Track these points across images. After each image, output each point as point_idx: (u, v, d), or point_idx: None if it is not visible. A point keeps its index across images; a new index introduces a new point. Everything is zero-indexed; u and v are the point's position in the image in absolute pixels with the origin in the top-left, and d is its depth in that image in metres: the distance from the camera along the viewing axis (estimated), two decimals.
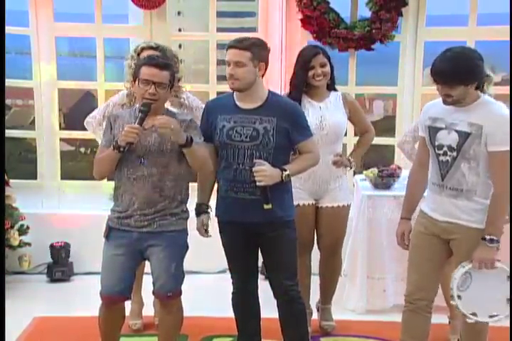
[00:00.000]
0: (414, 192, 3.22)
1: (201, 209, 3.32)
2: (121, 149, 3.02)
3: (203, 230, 3.31)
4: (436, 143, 3.04)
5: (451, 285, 2.98)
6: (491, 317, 2.99)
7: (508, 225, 3.69)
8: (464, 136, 2.94)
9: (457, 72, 2.85)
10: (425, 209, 3.16)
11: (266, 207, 3.10)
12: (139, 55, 3.72)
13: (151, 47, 3.75)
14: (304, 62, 3.68)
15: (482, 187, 2.97)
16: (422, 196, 3.21)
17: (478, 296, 2.96)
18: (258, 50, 3.10)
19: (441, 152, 3.02)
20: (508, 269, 2.98)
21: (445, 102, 2.98)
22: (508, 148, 2.88)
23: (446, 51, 2.93)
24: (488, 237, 2.92)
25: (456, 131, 2.97)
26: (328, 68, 3.71)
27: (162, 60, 3.14)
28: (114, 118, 3.20)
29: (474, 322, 3.05)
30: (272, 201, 3.10)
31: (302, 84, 3.70)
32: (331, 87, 3.81)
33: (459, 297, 2.96)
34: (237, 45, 3.09)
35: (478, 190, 2.97)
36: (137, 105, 3.15)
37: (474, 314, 2.99)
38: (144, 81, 3.02)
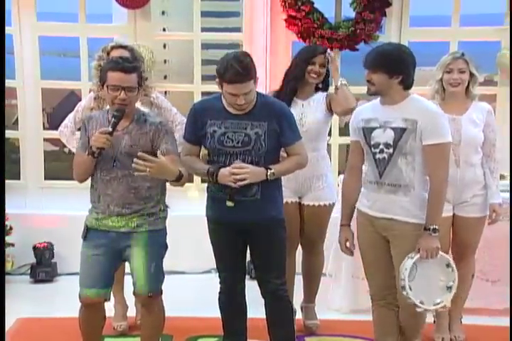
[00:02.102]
0: (350, 198, 3.27)
1: (215, 168, 3.11)
2: (95, 155, 3.01)
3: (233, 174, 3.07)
4: (372, 142, 3.11)
5: (401, 276, 3.04)
6: (435, 305, 3.08)
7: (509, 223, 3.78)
8: (399, 132, 3.03)
9: (382, 56, 3.03)
10: (362, 208, 3.22)
11: (228, 204, 3.08)
12: (108, 54, 3.70)
13: (120, 46, 3.73)
14: (309, 56, 3.72)
15: (418, 181, 3.06)
16: (356, 200, 3.27)
17: (423, 285, 3.05)
18: (255, 72, 3.04)
19: (377, 150, 3.09)
20: (448, 257, 3.12)
21: (368, 91, 3.09)
22: (441, 141, 3.00)
23: (386, 43, 3.14)
24: (431, 227, 3.02)
25: (392, 129, 3.05)
26: (324, 70, 3.75)
27: (127, 63, 3.06)
28: (87, 120, 3.18)
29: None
30: (261, 198, 3.09)
31: (301, 76, 3.72)
32: (321, 88, 3.83)
33: (410, 287, 3.03)
34: (242, 79, 2.96)
35: (415, 185, 3.06)
36: (108, 107, 3.14)
37: (422, 302, 3.07)
38: (113, 87, 2.99)
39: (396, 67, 3.01)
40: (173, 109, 3.98)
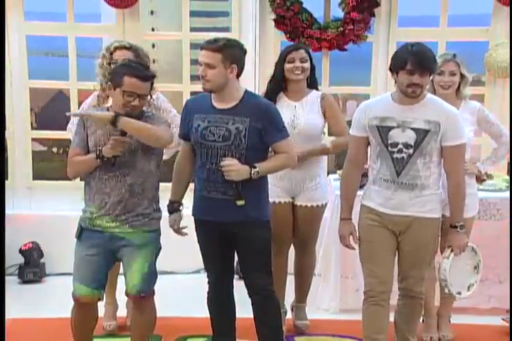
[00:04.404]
0: (351, 193, 3.30)
1: (173, 208, 3.33)
2: (112, 161, 3.04)
3: (176, 228, 3.33)
4: (390, 142, 3.11)
5: (442, 277, 3.19)
6: (468, 289, 3.27)
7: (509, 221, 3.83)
8: (422, 134, 3.07)
9: (429, 59, 3.05)
10: (371, 204, 3.22)
11: (239, 203, 3.09)
12: (111, 54, 3.69)
13: (124, 47, 3.71)
14: (285, 55, 3.71)
15: (432, 180, 3.14)
16: (356, 195, 3.31)
17: (457, 276, 3.20)
18: (230, 52, 3.07)
19: (395, 149, 3.11)
20: (471, 244, 3.26)
21: (413, 94, 3.05)
22: (461, 142, 3.10)
23: (412, 45, 3.07)
24: (458, 224, 3.14)
25: (413, 129, 3.07)
26: (307, 64, 3.72)
27: (146, 70, 3.10)
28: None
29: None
30: (246, 198, 3.10)
31: (280, 77, 3.73)
32: (311, 85, 3.81)
33: (451, 284, 3.19)
34: (209, 46, 3.07)
35: (430, 184, 3.13)
36: (106, 105, 3.14)
37: (459, 293, 3.24)
38: (129, 93, 3.01)
39: (435, 68, 3.12)
40: (173, 111, 3.88)
